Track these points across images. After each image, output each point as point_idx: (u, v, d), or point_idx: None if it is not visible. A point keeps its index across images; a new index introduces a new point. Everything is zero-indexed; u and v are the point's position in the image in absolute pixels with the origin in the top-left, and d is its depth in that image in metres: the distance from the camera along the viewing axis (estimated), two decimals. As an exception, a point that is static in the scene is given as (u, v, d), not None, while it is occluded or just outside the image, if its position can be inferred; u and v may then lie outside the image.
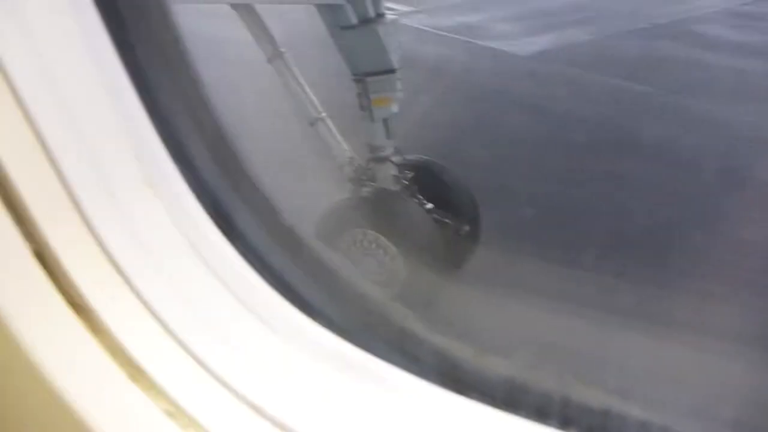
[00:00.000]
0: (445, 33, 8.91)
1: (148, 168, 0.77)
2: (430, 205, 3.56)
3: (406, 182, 3.56)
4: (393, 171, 3.52)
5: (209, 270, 0.79)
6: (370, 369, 0.75)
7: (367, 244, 3.41)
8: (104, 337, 0.71)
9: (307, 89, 3.51)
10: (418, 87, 6.64)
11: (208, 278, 0.78)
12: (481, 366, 0.86)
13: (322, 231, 3.48)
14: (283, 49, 3.44)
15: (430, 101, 6.24)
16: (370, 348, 0.76)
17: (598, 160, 5.31)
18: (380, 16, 3.30)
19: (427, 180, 3.65)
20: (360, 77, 3.33)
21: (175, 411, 0.70)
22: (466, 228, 3.61)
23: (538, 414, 0.75)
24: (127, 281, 0.74)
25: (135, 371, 0.71)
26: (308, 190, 4.26)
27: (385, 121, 3.45)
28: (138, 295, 0.75)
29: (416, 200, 3.55)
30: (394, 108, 3.41)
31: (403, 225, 3.36)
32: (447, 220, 3.56)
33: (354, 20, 3.18)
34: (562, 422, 0.75)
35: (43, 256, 0.69)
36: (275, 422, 0.71)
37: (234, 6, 3.34)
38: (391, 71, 3.32)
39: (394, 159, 3.52)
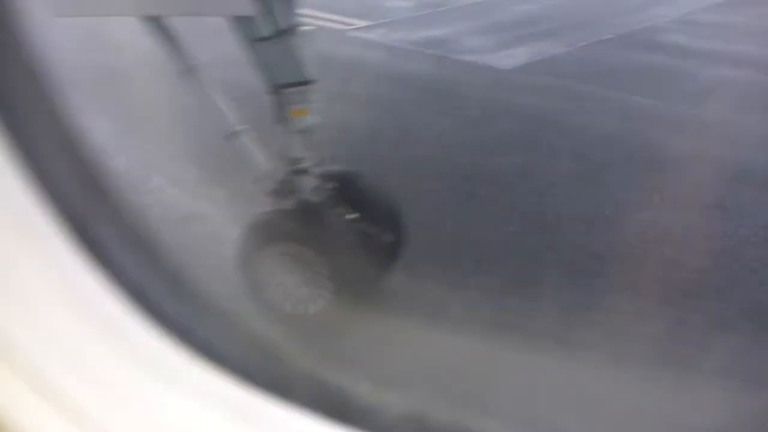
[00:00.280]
0: (418, 48, 8.96)
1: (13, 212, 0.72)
2: (352, 216, 3.55)
3: (328, 193, 3.53)
4: (314, 182, 3.49)
5: (82, 315, 0.75)
6: (261, 412, 0.73)
7: (290, 258, 3.37)
8: None
9: (223, 102, 3.43)
10: (437, 109, 6.69)
11: (80, 324, 0.74)
12: (378, 402, 0.85)
13: (244, 246, 3.41)
14: (195, 62, 3.36)
15: (454, 122, 6.34)
16: (262, 388, 0.74)
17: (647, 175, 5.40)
18: (294, 27, 3.27)
19: (349, 190, 3.64)
20: (276, 89, 3.28)
21: None
22: (390, 237, 3.62)
23: None
24: None
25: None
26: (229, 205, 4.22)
27: (303, 132, 3.41)
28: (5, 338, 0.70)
29: (338, 211, 3.53)
30: (312, 119, 3.37)
31: (326, 237, 3.33)
32: (370, 230, 3.56)
33: (267, 32, 3.13)
34: None
35: None
36: None
37: (143, 19, 3.23)
38: (308, 82, 3.29)
39: (315, 170, 3.49)
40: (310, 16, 10.34)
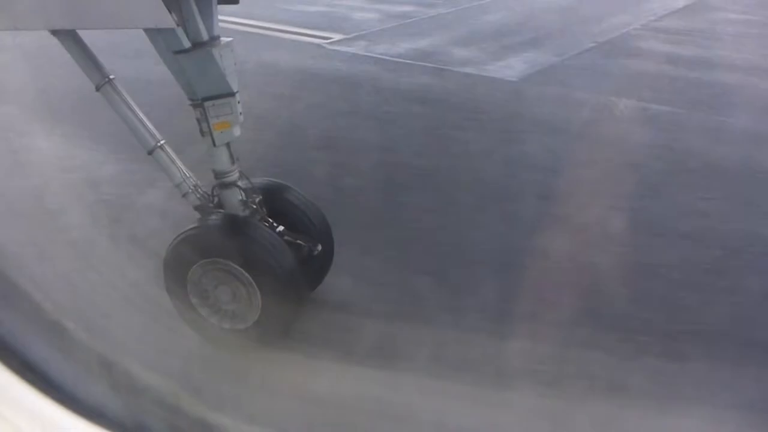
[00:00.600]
0: (408, 61, 8.90)
1: None
2: (281, 228, 3.52)
3: (255, 206, 3.49)
4: (240, 196, 3.44)
5: None
6: None
7: (218, 274, 3.31)
8: None
9: (142, 116, 3.34)
10: (484, 127, 6.57)
11: None
12: None
13: (170, 264, 3.33)
14: (111, 76, 3.26)
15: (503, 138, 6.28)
16: None
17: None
18: (214, 39, 3.21)
19: (276, 202, 3.61)
20: (198, 102, 3.22)
21: None
22: (319, 247, 3.61)
23: None
24: None
25: None
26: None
27: (227, 145, 3.36)
28: None
29: (266, 224, 3.49)
30: (236, 132, 3.33)
31: (254, 250, 3.28)
32: (300, 241, 3.54)
33: (187, 44, 3.06)
34: None
35: None
36: None
37: (55, 33, 3.11)
38: (230, 94, 3.24)
39: (241, 183, 3.44)
40: (278, 30, 10.24)
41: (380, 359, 3.31)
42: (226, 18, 10.55)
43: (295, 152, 6.01)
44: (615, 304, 3.84)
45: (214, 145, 3.30)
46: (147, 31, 3.03)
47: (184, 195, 3.47)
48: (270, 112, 6.77)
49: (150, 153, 3.37)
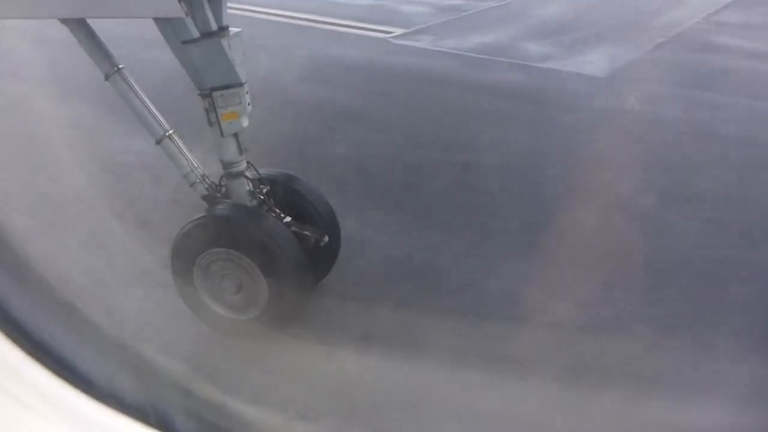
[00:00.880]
0: (483, 56, 8.60)
1: None
2: (288, 219, 3.53)
3: (262, 197, 3.50)
4: (248, 186, 3.44)
5: None
6: None
7: (226, 264, 3.32)
8: None
9: (150, 105, 3.35)
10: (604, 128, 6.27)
11: None
12: None
13: (178, 254, 3.35)
14: (121, 65, 3.27)
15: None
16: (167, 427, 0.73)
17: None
18: (223, 28, 3.21)
19: (283, 193, 3.61)
20: (206, 92, 3.22)
21: None
22: (326, 238, 3.61)
23: None
24: None
25: None
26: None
27: (235, 135, 3.36)
28: None
29: (274, 214, 3.50)
30: (244, 122, 3.33)
31: (261, 241, 3.29)
32: (307, 232, 3.54)
33: (196, 34, 3.06)
34: None
35: None
36: None
37: (65, 21, 3.12)
38: (239, 85, 3.24)
39: (248, 174, 3.45)
40: (330, 24, 10.01)
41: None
42: (270, 10, 10.22)
43: (444, 165, 5.63)
44: None
45: (222, 135, 3.31)
46: (156, 20, 3.03)
47: (192, 185, 3.48)
48: (380, 113, 6.67)
49: (158, 143, 3.38)
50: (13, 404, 0.77)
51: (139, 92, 3.32)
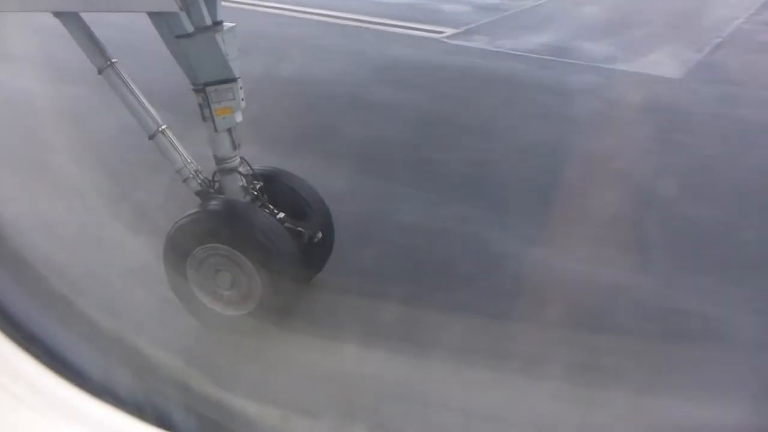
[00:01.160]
0: (550, 57, 8.45)
1: None
2: (281, 214, 3.52)
3: (256, 193, 3.49)
4: (241, 182, 3.44)
5: None
6: None
7: (219, 260, 3.32)
8: None
9: (144, 100, 3.34)
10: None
11: None
12: (288, 430, 0.85)
13: (170, 249, 3.34)
14: (114, 60, 3.25)
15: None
16: (164, 423, 0.73)
17: None
18: (217, 23, 3.20)
19: (277, 189, 3.60)
20: (200, 87, 3.21)
21: None
22: (320, 234, 3.61)
23: None
24: None
25: None
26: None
27: (229, 131, 3.35)
28: None
29: (267, 210, 3.49)
30: (238, 117, 3.32)
31: (255, 236, 3.28)
32: (300, 228, 3.54)
33: (190, 28, 3.05)
34: None
35: None
36: None
37: (58, 14, 3.10)
38: (233, 80, 3.23)
39: (242, 169, 3.44)
40: (376, 23, 9.85)
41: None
42: (311, 10, 10.37)
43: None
44: None
45: (216, 130, 3.30)
46: (150, 14, 3.02)
47: (185, 180, 3.47)
48: (473, 119, 6.51)
49: (151, 138, 3.37)
50: (6, 397, 0.76)
51: (133, 87, 3.31)
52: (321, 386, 2.84)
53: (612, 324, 3.47)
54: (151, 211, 4.17)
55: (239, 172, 3.43)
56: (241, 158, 3.43)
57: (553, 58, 8.47)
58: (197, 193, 3.50)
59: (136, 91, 3.32)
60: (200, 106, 3.27)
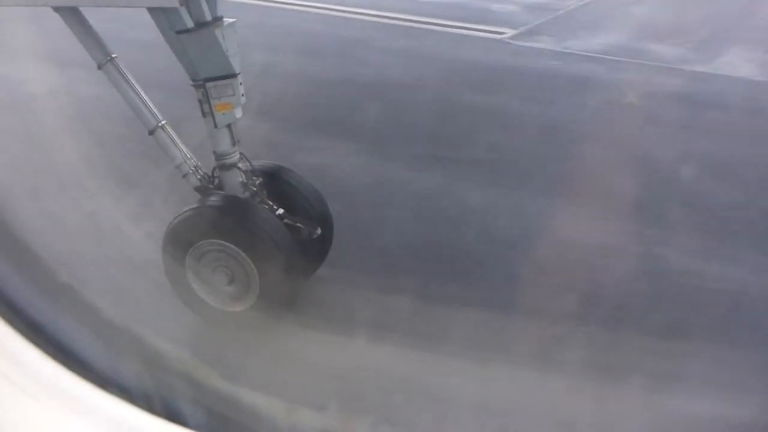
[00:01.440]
0: (624, 59, 8.16)
1: None
2: (280, 211, 3.53)
3: (255, 188, 3.49)
4: (241, 178, 3.44)
5: None
6: None
7: (218, 255, 3.32)
8: None
9: (144, 96, 3.34)
10: None
11: None
12: (293, 422, 0.85)
13: (169, 245, 3.34)
14: (114, 55, 3.25)
15: None
16: (171, 414, 0.74)
17: None
18: (217, 19, 3.20)
19: (276, 185, 3.61)
20: (200, 83, 3.21)
21: None
22: (318, 231, 3.61)
23: None
24: None
25: None
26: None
27: (229, 127, 3.35)
28: None
29: (266, 206, 3.50)
30: (238, 113, 3.32)
31: (254, 232, 3.29)
32: (299, 224, 3.54)
33: (190, 24, 3.05)
34: None
35: None
36: None
37: (58, 9, 3.10)
38: (232, 76, 3.23)
39: (241, 165, 3.44)
40: (430, 23, 9.60)
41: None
42: (359, 10, 10.17)
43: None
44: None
45: (216, 126, 3.30)
46: (150, 10, 3.02)
47: (185, 176, 3.47)
48: (585, 127, 6.25)
49: (151, 133, 3.37)
50: (9, 387, 0.77)
51: (133, 82, 3.30)
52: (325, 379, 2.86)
53: None
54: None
55: (239, 168, 3.43)
56: (241, 154, 3.43)
57: (626, 59, 8.21)
58: (197, 189, 3.50)
59: (136, 86, 3.32)
60: (200, 101, 3.27)
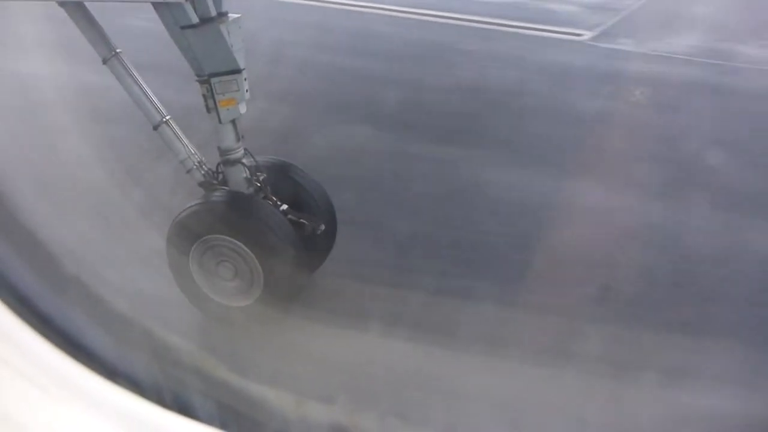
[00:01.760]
0: (719, 62, 7.91)
1: None
2: (284, 206, 3.53)
3: (259, 184, 3.50)
4: (245, 173, 3.44)
5: None
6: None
7: (221, 251, 3.33)
8: None
9: (148, 91, 3.34)
10: None
11: None
12: (302, 415, 0.85)
13: (173, 240, 3.35)
14: (118, 50, 3.25)
15: None
16: (182, 408, 0.74)
17: None
18: (222, 14, 3.20)
19: (280, 181, 3.61)
20: (205, 78, 3.21)
21: None
22: (322, 227, 3.61)
23: None
24: None
25: None
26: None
27: (233, 122, 3.35)
28: None
29: (270, 202, 3.50)
30: (242, 109, 3.32)
31: (258, 228, 3.29)
32: (303, 220, 3.55)
33: (195, 19, 3.05)
34: None
35: None
36: None
37: (63, 4, 3.10)
38: (237, 71, 3.23)
39: (245, 161, 3.45)
40: (500, 25, 9.25)
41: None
42: (417, 10, 9.84)
43: None
44: None
45: (220, 122, 3.30)
46: (155, 5, 3.02)
47: (189, 171, 3.48)
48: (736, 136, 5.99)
49: (155, 128, 3.38)
50: (19, 379, 0.77)
51: (137, 77, 3.30)
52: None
53: None
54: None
55: (243, 164, 3.43)
56: (245, 149, 3.43)
57: (721, 62, 7.95)
58: (201, 184, 3.50)
59: (141, 81, 3.32)
60: (204, 97, 3.27)
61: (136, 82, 3.30)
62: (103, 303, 1.02)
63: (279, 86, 6.13)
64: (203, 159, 3.51)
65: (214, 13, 3.13)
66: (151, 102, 3.34)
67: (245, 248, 3.27)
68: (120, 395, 0.80)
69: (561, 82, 7.37)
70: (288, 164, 3.70)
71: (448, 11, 9.80)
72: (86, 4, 3.15)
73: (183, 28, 3.05)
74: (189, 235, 3.33)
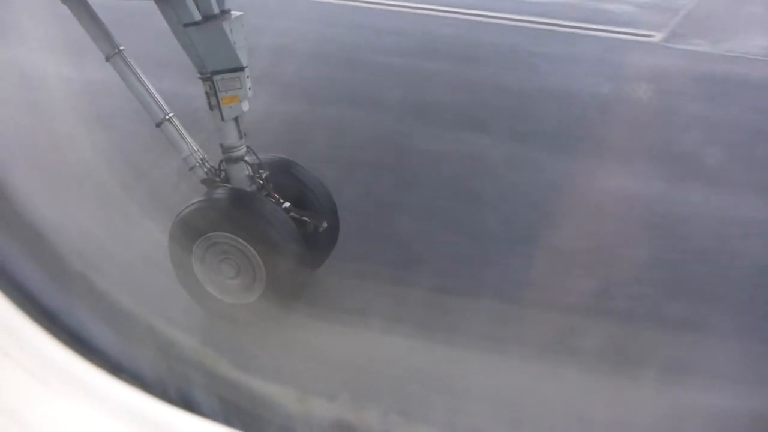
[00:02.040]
0: None
1: None
2: (287, 204, 3.53)
3: (261, 182, 3.50)
4: (247, 171, 3.45)
5: None
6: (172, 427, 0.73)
7: (224, 248, 3.33)
8: None
9: (151, 88, 3.34)
10: None
11: None
12: (305, 411, 0.85)
13: (176, 237, 3.35)
14: (121, 47, 3.26)
15: None
16: (172, 401, 0.74)
17: None
18: (225, 12, 3.20)
19: (283, 178, 3.61)
20: (207, 76, 3.22)
21: None
22: (325, 224, 3.62)
23: None
24: None
25: None
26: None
27: (236, 120, 3.36)
28: None
29: (273, 199, 3.50)
30: (245, 106, 3.33)
31: (260, 225, 3.30)
32: (305, 218, 3.55)
33: (198, 16, 3.05)
34: None
35: None
36: None
37: (65, 1, 3.11)
38: (240, 69, 3.23)
39: (248, 158, 3.45)
40: (556, 25, 8.88)
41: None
42: (468, 11, 9.40)
43: None
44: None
45: (223, 119, 3.30)
46: (158, 2, 3.02)
47: (192, 168, 3.48)
48: None
49: (158, 125, 3.38)
50: (23, 374, 0.78)
51: (140, 74, 3.31)
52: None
53: None
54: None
55: (245, 161, 3.43)
56: (248, 147, 3.43)
57: None
58: (203, 182, 3.51)
59: (144, 78, 3.32)
60: (207, 94, 3.27)
61: (138, 79, 3.31)
62: (106, 298, 1.03)
63: (392, 95, 6.31)
64: (206, 156, 3.51)
65: (216, 10, 3.13)
66: (154, 99, 3.34)
67: (248, 245, 3.28)
68: (124, 391, 0.80)
69: (661, 88, 6.95)
70: (290, 162, 3.71)
71: (500, 11, 9.39)
72: (88, 0, 3.16)
73: (186, 25, 3.06)
74: (191, 232, 3.34)
